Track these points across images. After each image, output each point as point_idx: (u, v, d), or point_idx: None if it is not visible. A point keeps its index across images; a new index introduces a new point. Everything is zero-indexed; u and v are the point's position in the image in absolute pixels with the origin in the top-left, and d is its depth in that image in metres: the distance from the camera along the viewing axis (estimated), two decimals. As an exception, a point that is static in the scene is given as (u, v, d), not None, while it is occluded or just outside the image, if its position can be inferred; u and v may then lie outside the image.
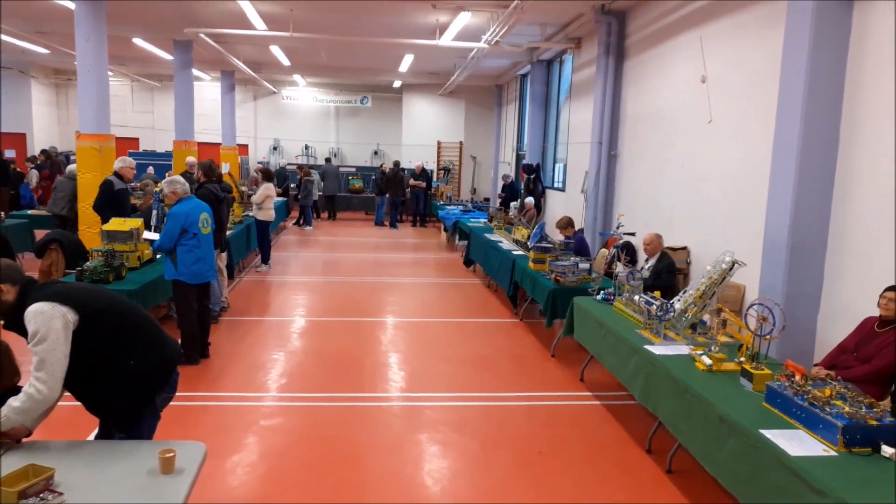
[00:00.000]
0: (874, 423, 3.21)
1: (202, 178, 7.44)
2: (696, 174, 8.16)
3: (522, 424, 5.40)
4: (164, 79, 22.50)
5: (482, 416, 5.52)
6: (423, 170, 19.09)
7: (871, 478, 2.93)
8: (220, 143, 19.50)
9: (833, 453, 3.16)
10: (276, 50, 15.95)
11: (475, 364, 6.84)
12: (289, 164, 21.11)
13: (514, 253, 9.05)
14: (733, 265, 4.91)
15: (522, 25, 11.45)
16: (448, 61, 16.87)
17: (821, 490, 2.87)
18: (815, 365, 4.82)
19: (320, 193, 19.18)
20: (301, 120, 24.12)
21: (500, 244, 9.93)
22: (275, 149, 23.78)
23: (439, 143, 22.77)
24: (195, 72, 18.54)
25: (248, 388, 5.96)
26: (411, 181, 18.51)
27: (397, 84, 22.26)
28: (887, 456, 3.11)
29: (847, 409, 3.33)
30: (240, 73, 18.97)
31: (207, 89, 22.61)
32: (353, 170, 21.87)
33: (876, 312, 4.52)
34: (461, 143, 22.81)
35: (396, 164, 18.57)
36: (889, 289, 4.49)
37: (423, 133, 22.72)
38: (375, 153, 23.67)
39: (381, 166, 19.41)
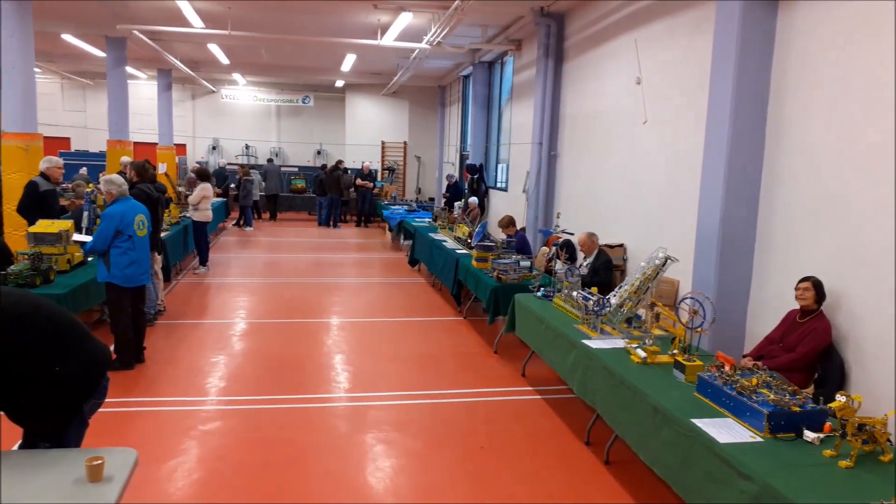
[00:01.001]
0: (797, 409, 3.36)
1: (135, 178, 7.22)
2: (632, 174, 8.37)
3: (465, 421, 5.43)
4: (97, 77, 21.76)
5: (425, 415, 5.53)
6: (370, 170, 18.99)
7: (794, 462, 3.07)
8: (156, 143, 18.95)
9: (759, 439, 3.29)
10: (214, 48, 15.62)
11: (419, 362, 6.85)
12: (229, 164, 20.69)
13: (458, 252, 9.10)
14: (666, 261, 5.06)
15: (464, 27, 11.54)
16: (391, 61, 16.85)
17: (747, 475, 2.98)
18: (745, 356, 5.01)
19: (262, 194, 18.87)
20: (241, 119, 23.69)
21: (444, 243, 9.97)
22: (214, 148, 23.27)
23: (383, 142, 22.70)
24: (130, 70, 17.97)
25: (186, 392, 5.82)
26: (358, 181, 18.36)
27: (340, 84, 22.09)
28: (809, 440, 3.26)
29: (772, 396, 3.48)
30: (177, 72, 18.49)
31: (143, 87, 21.97)
32: (296, 170, 21.59)
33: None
34: (405, 143, 22.79)
35: (337, 163, 18.41)
36: (802, 280, 4.73)
37: (366, 133, 22.61)
38: (318, 153, 23.42)
39: (324, 166, 19.21)
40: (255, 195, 17.82)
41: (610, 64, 9.06)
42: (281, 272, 11.79)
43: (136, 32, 12.78)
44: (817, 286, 4.67)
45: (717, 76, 5.86)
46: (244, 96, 23.14)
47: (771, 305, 5.54)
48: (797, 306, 4.82)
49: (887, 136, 4.49)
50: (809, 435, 3.26)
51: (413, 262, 11.95)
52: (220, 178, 18.26)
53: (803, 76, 5.34)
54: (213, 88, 22.82)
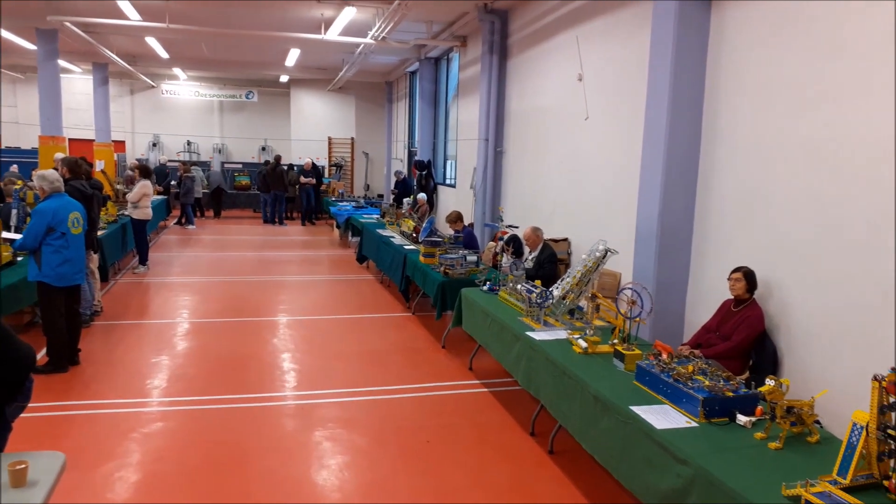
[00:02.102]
0: (730, 394, 3.47)
1: (67, 175, 6.96)
2: (575, 169, 8.50)
3: (411, 416, 5.43)
4: (28, 70, 20.87)
5: (372, 411, 5.50)
6: (314, 166, 18.76)
7: (727, 445, 3.17)
8: (93, 140, 18.31)
9: (695, 424, 3.39)
10: (152, 42, 15.17)
11: (366, 359, 6.81)
12: (170, 160, 20.14)
13: (406, 248, 9.08)
14: (606, 253, 5.16)
15: (409, 22, 11.51)
16: (336, 56, 16.68)
17: (683, 459, 3.06)
18: (683, 345, 5.15)
19: (205, 191, 18.45)
20: (183, 115, 23.08)
21: (392, 239, 9.93)
22: (154, 145, 22.62)
23: (330, 138, 22.47)
24: (63, 63, 17.32)
25: (124, 394, 5.64)
26: (301, 178, 18.13)
27: (284, 79, 21.74)
28: (742, 424, 3.37)
29: (707, 383, 3.58)
30: (114, 66, 17.90)
31: (78, 82, 21.20)
32: (240, 166, 21.17)
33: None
34: (353, 139, 22.61)
35: (277, 158, 18.14)
36: (734, 271, 4.90)
37: (313, 128, 22.35)
38: (263, 149, 23.02)
39: (267, 163, 18.89)
40: (198, 192, 17.41)
41: (553, 61, 9.17)
42: (225, 271, 11.55)
43: (67, 24, 12.32)
44: (748, 276, 4.84)
45: (654, 73, 5.99)
46: (185, 92, 22.57)
47: (708, 295, 5.71)
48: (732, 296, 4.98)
49: (814, 130, 4.67)
50: (742, 419, 3.37)
51: (361, 258, 11.87)
52: (160, 175, 17.77)
53: (735, 73, 5.50)
54: (153, 83, 22.17)
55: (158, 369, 6.29)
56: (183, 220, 16.68)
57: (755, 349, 4.83)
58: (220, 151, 22.73)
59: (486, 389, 6.07)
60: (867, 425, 2.68)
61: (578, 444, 4.10)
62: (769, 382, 3.18)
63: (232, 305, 8.96)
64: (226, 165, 21.83)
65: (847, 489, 2.66)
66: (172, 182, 17.64)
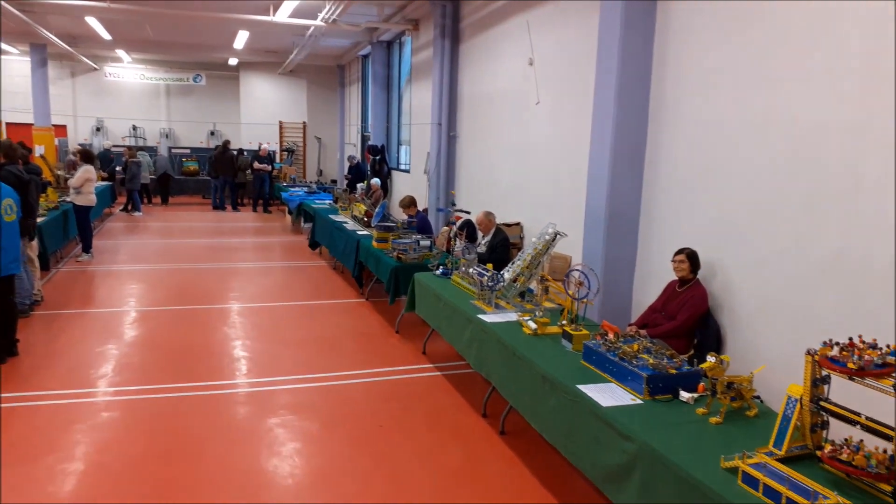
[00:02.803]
0: (673, 371, 3.56)
1: (1, 160, 6.68)
2: (526, 154, 8.55)
3: (364, 401, 5.42)
4: (-40, 50, 19.92)
5: (324, 397, 5.47)
6: (269, 152, 18.42)
7: (670, 421, 3.25)
8: (32, 124, 17.61)
9: (639, 401, 3.47)
10: (93, 21, 14.61)
11: (319, 345, 6.76)
12: (115, 146, 19.53)
13: (359, 233, 9.02)
14: (556, 236, 5.22)
15: (360, 5, 11.37)
16: (286, 39, 16.36)
17: (628, 435, 3.13)
18: (630, 325, 5.25)
19: (152, 177, 17.95)
20: (128, 99, 22.36)
21: (344, 225, 9.85)
22: (98, 129, 21.88)
23: (282, 123, 22.10)
24: (-2, 43, 16.59)
25: (68, 385, 5.48)
26: (256, 164, 17.74)
27: (233, 62, 21.25)
28: (684, 400, 3.47)
29: (651, 361, 3.67)
30: (53, 47, 17.20)
31: (16, 64, 20.30)
32: (188, 151, 20.67)
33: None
34: (304, 123, 22.28)
35: (225, 143, 17.76)
36: (678, 252, 5.02)
37: (263, 113, 21.94)
38: (212, 134, 22.50)
39: (216, 148, 18.47)
40: (145, 178, 16.95)
41: (504, 45, 9.18)
42: (174, 258, 11.28)
43: (2, 2, 11.76)
44: (691, 257, 4.96)
45: (602, 58, 6.04)
46: (130, 75, 21.88)
47: (655, 276, 5.82)
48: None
49: (754, 114, 4.79)
50: (684, 395, 3.47)
51: (314, 244, 11.74)
52: (104, 160, 17.22)
53: (680, 59, 5.59)
54: (95, 66, 21.42)
55: (103, 359, 6.13)
56: (129, 207, 16.22)
57: (699, 328, 4.96)
58: (167, 136, 22.12)
59: (439, 373, 6.09)
60: (801, 398, 2.78)
61: (529, 424, 4.15)
62: (710, 359, 3.27)
63: (181, 293, 8.77)
64: (173, 151, 21.26)
65: (782, 460, 2.76)
66: (117, 168, 17.11)
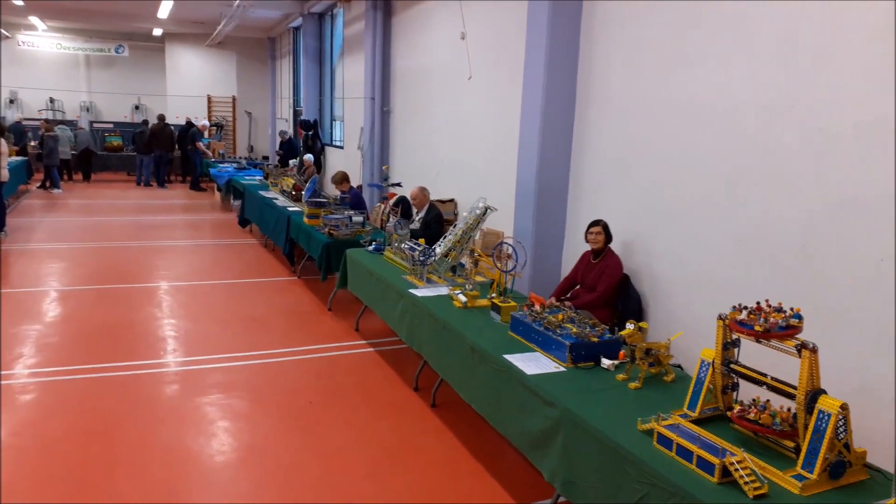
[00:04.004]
0: (595, 340, 3.66)
1: None
2: (459, 129, 8.55)
3: (295, 378, 5.37)
4: None
5: (254, 376, 5.39)
6: (207, 128, 17.83)
7: (591, 387, 3.35)
8: (-64, 95, 16.52)
9: (563, 369, 3.56)
10: (1, -15, 13.74)
11: (248, 324, 6.64)
12: (29, 118, 18.49)
13: (290, 209, 8.86)
14: (486, 210, 5.25)
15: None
16: (213, 9, 15.77)
17: (550, 402, 3.21)
18: (550, 297, 5.36)
19: (73, 152, 17.12)
20: (43, 70, 21.17)
21: (275, 201, 9.66)
22: (12, 102, 20.67)
23: (210, 97, 21.40)
24: None
25: (-23, 369, 5.22)
26: (199, 145, 17.06)
27: (158, 32, 20.38)
28: (605, 367, 3.57)
29: (575, 330, 3.76)
30: (-43, 12, 16.12)
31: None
32: (111, 126, 19.78)
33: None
34: (234, 97, 21.65)
35: (161, 117, 17.12)
36: (593, 224, 5.15)
37: (191, 86, 21.16)
38: (137, 108, 21.60)
39: (145, 122, 17.75)
40: (64, 154, 16.14)
41: (436, 18, 9.11)
42: (97, 236, 10.82)
43: None
44: (606, 229, 5.11)
45: (532, 36, 6.07)
46: (46, 44, 20.72)
47: (583, 249, 5.93)
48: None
49: (676, 92, 4.91)
50: (606, 362, 3.57)
51: (244, 222, 11.48)
52: (17, 134, 16.30)
53: (606, 38, 5.66)
54: (7, 34, 20.16)
55: (18, 340, 5.86)
56: (47, 184, 15.45)
57: (620, 297, 5.11)
58: (88, 110, 21.11)
59: (372, 349, 6.08)
60: (713, 361, 2.90)
61: (459, 395, 4.20)
62: (629, 326, 3.37)
63: (105, 272, 8.44)
64: (95, 125, 20.31)
65: (696, 421, 2.89)
66: (32, 142, 16.24)
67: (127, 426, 4.40)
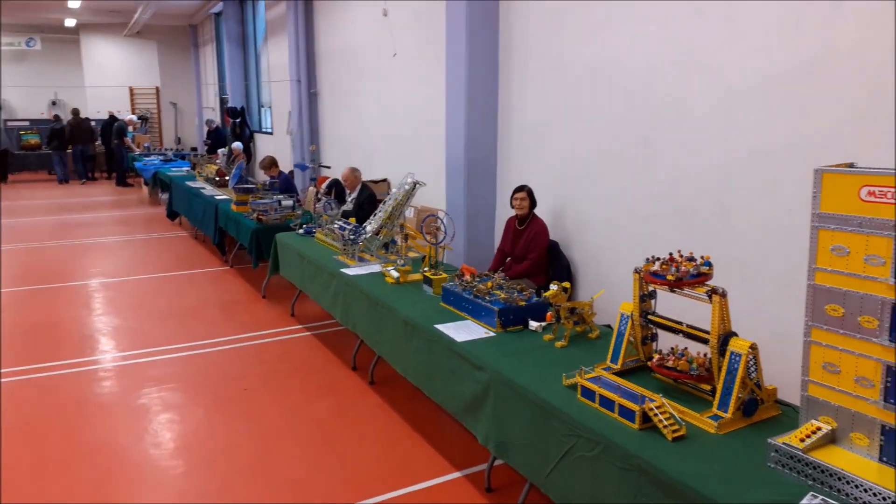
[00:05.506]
0: (523, 304, 3.71)
1: None
2: (388, 107, 8.48)
3: (230, 367, 5.27)
4: None
5: (187, 367, 5.27)
6: (133, 122, 17.16)
7: (519, 349, 3.39)
8: None
9: (492, 334, 3.59)
10: None
11: (181, 317, 6.48)
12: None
13: (218, 198, 8.65)
14: (415, 185, 5.23)
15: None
16: (127, -4, 15.15)
17: (481, 366, 3.24)
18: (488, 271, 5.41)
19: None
20: (-53, 66, 19.96)
21: (202, 191, 9.40)
22: (-87, 101, 19.45)
23: (132, 89, 20.60)
24: None
25: None
26: (126, 140, 16.38)
27: (71, 23, 19.44)
28: (533, 329, 3.63)
29: (503, 296, 3.79)
30: None
31: None
32: (27, 123, 18.85)
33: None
34: (157, 88, 20.89)
35: (75, 111, 16.39)
36: (518, 190, 5.20)
37: (111, 78, 20.29)
38: (54, 103, 20.60)
39: (56, 117, 16.95)
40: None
41: (358, -4, 8.98)
42: (21, 237, 10.32)
43: None
44: (531, 194, 5.16)
45: (451, 5, 6.04)
46: (-53, 39, 19.51)
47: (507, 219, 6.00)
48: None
49: (592, 58, 4.98)
50: (533, 324, 3.63)
51: (173, 214, 11.15)
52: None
53: (524, 8, 5.68)
54: None
55: (-69, 350, 5.57)
56: (-41, 187, 14.66)
57: (550, 263, 5.18)
58: (0, 108, 20.02)
59: (308, 333, 6.02)
60: (632, 314, 2.98)
61: (395, 370, 4.20)
62: (553, 287, 3.42)
63: (31, 273, 8.09)
64: (10, 123, 19.32)
65: (618, 373, 2.97)
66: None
67: (55, 426, 4.25)
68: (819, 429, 2.18)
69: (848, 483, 2.00)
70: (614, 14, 4.76)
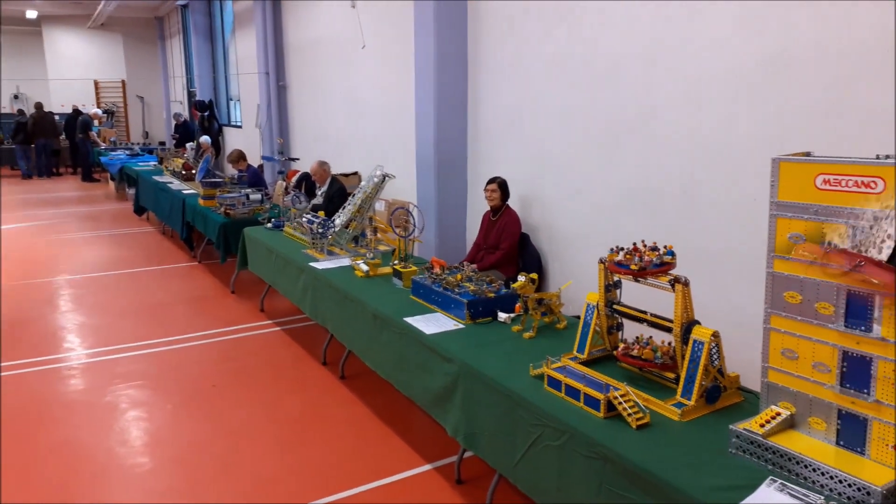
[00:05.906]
0: (492, 295, 3.71)
1: None
2: (357, 100, 8.42)
3: (198, 363, 5.21)
4: None
5: (154, 364, 5.19)
6: (99, 116, 16.81)
7: (488, 340, 3.39)
8: None
9: (462, 326, 3.59)
10: None
11: (149, 313, 6.38)
12: None
13: (185, 192, 8.52)
14: (384, 178, 5.20)
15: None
16: (90, -13, 14.83)
17: (449, 358, 3.24)
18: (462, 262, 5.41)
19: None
20: None
21: (169, 185, 9.26)
22: None
23: (97, 82, 20.18)
24: None
25: None
26: (92, 134, 16.03)
27: (32, 15, 18.95)
28: (502, 320, 3.64)
29: (472, 288, 3.80)
30: None
31: None
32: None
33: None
34: (123, 81, 20.49)
35: (39, 105, 16.02)
36: (490, 182, 5.22)
37: (75, 72, 19.85)
38: (16, 97, 20.11)
39: (20, 111, 16.55)
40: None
41: (327, -12, 8.90)
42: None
43: None
44: (503, 186, 5.18)
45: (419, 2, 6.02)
46: None
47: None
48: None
49: (559, 48, 5.00)
50: (502, 316, 3.64)
51: (140, 210, 10.97)
52: None
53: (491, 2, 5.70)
54: None
55: None
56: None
57: (521, 254, 5.21)
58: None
59: (278, 328, 5.97)
60: (598, 304, 3.00)
61: (365, 364, 4.19)
62: (520, 279, 3.44)
63: (-15, 272, 7.91)
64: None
65: (585, 363, 2.99)
66: None
67: (19, 425, 4.16)
68: (778, 414, 2.22)
69: (806, 467, 2.04)
70: (580, 9, 4.78)
